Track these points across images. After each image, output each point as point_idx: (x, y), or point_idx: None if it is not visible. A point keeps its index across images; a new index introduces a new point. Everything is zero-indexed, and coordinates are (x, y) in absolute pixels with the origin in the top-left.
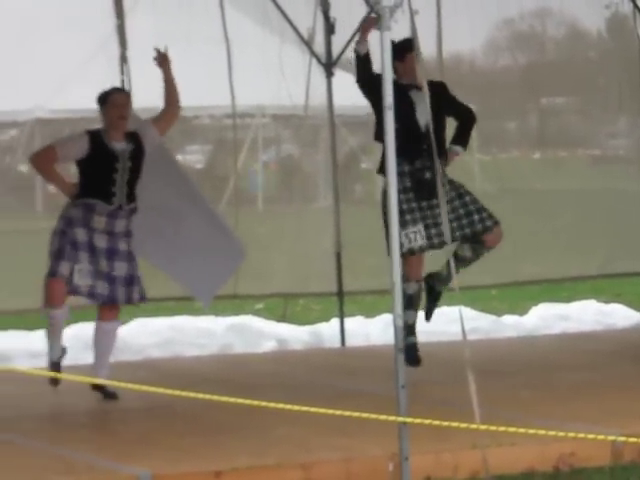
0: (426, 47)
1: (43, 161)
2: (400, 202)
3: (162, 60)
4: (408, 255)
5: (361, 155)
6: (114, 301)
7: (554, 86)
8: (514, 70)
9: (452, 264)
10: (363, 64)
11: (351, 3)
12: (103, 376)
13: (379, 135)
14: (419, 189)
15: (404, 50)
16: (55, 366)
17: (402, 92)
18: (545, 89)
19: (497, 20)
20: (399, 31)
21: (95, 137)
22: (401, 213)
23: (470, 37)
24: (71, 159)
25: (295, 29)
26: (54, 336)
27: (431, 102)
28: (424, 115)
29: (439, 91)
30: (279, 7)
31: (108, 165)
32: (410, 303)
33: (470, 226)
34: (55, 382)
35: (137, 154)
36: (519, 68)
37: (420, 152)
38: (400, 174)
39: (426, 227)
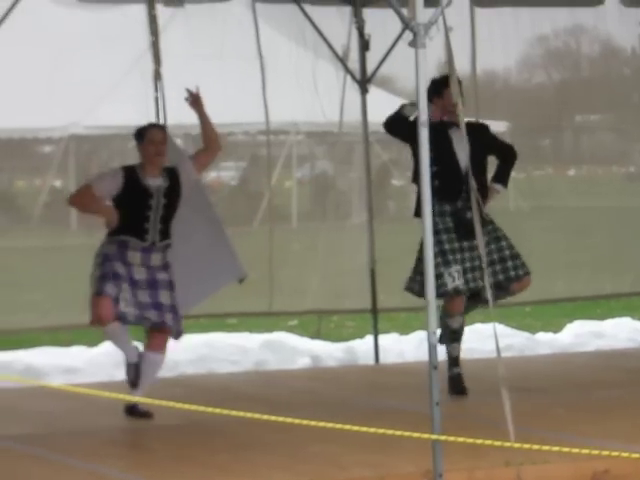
0: (460, 64)
1: (82, 200)
2: (442, 242)
3: (194, 100)
4: (453, 294)
5: (394, 172)
6: (164, 324)
7: (588, 103)
8: (548, 87)
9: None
10: (400, 123)
11: (385, 20)
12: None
13: (416, 178)
14: (460, 229)
15: (442, 86)
16: (133, 367)
17: (442, 131)
18: (579, 106)
19: (531, 37)
20: (434, 48)
21: (130, 173)
22: (444, 253)
23: (504, 54)
24: (107, 196)
25: (330, 46)
26: (120, 344)
27: (472, 144)
28: (464, 154)
29: (480, 133)
30: (313, 24)
31: (141, 202)
32: (455, 337)
33: (503, 272)
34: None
35: (173, 191)
36: (553, 85)
37: (461, 192)
38: (442, 214)
39: (464, 271)
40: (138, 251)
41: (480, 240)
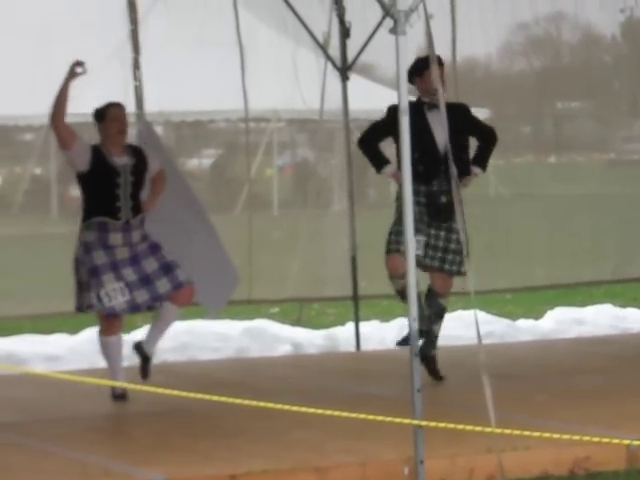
0: (441, 52)
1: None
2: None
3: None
4: (396, 254)
5: None
6: (158, 299)
7: (569, 90)
8: (529, 74)
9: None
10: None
11: (366, 7)
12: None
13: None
14: (431, 210)
15: (423, 66)
16: (120, 397)
17: (419, 112)
18: (560, 93)
19: (512, 24)
20: (414, 35)
21: (96, 152)
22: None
23: (485, 41)
24: (79, 153)
25: (310, 33)
26: (111, 361)
27: (451, 124)
28: (442, 136)
29: (460, 113)
30: (294, 11)
31: (109, 180)
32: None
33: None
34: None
35: (139, 168)
36: (534, 72)
37: (437, 173)
38: (416, 193)
39: (426, 245)
40: (119, 232)
41: (461, 223)
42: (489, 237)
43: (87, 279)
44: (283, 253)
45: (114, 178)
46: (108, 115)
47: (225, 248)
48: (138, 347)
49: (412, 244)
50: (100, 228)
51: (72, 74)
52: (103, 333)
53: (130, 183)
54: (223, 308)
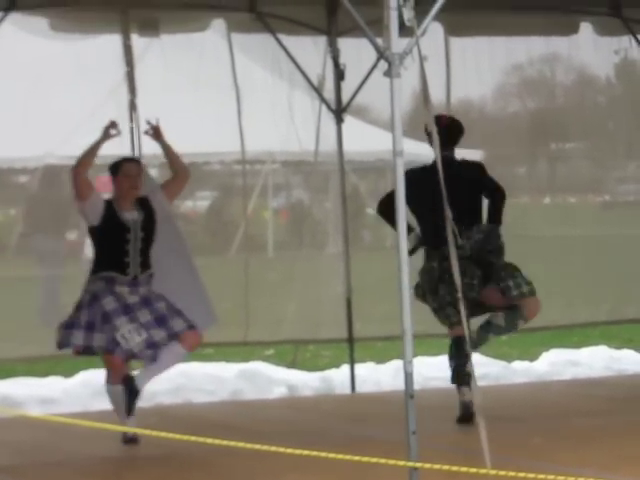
0: (435, 93)
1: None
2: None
3: (155, 132)
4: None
5: (370, 201)
6: (175, 337)
7: (563, 132)
8: (523, 116)
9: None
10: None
11: (360, 50)
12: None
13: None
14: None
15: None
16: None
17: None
18: (554, 135)
19: (506, 66)
20: (409, 77)
21: (108, 207)
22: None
23: (479, 83)
24: (92, 206)
25: (305, 75)
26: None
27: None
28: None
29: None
30: (289, 53)
31: (119, 236)
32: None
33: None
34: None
35: (149, 223)
36: (528, 114)
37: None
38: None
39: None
40: (125, 286)
41: (456, 271)
42: None
43: (96, 319)
44: (278, 295)
45: (124, 234)
46: (122, 170)
47: (206, 290)
48: (129, 380)
49: (406, 286)
50: (106, 281)
51: (106, 135)
52: (112, 381)
53: (140, 239)
54: None
